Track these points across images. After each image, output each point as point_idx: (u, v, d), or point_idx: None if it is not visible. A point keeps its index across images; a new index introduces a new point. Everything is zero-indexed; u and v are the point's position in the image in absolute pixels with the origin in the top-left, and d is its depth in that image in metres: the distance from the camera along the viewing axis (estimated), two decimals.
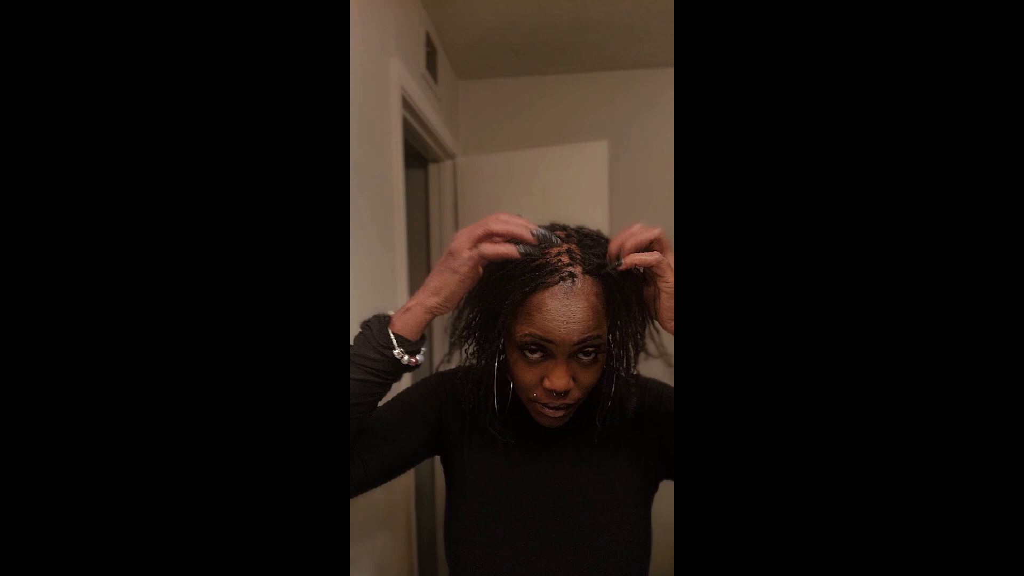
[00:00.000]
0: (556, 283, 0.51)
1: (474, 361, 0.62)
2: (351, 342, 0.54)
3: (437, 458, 0.69)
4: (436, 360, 2.01)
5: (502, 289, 0.54)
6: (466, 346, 0.61)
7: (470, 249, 0.50)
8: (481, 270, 0.53)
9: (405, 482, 1.37)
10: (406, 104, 1.35)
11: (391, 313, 0.54)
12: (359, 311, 0.97)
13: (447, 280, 0.52)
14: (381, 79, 1.20)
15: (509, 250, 0.49)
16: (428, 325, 0.54)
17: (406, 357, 0.53)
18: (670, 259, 0.51)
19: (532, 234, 0.50)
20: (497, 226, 0.49)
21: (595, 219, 1.74)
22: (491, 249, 0.49)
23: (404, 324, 0.53)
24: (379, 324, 0.53)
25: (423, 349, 0.55)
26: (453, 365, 0.67)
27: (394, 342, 0.52)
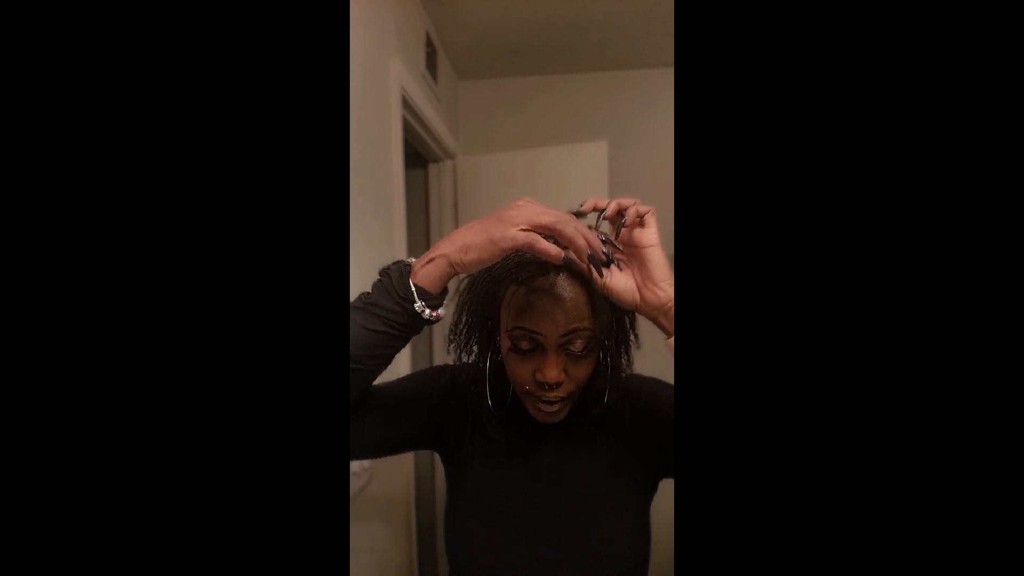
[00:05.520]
0: (542, 276, 0.53)
1: (473, 360, 0.63)
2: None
3: (437, 454, 0.70)
4: (436, 354, 2.02)
5: (492, 286, 0.56)
6: (464, 346, 0.62)
7: (522, 230, 0.46)
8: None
9: (405, 478, 1.37)
10: (406, 104, 1.35)
11: (411, 261, 0.51)
12: None
13: (482, 244, 0.47)
14: (381, 79, 1.20)
15: (556, 252, 0.46)
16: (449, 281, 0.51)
17: (427, 311, 0.49)
18: (651, 235, 0.53)
19: (588, 256, 0.48)
20: (568, 231, 0.46)
21: (595, 219, 1.74)
22: (542, 245, 0.46)
23: (426, 275, 0.49)
24: (399, 274, 0.50)
25: (445, 303, 0.51)
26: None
27: (415, 295, 0.48)
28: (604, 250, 0.50)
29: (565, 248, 0.48)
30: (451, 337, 0.62)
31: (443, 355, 1.99)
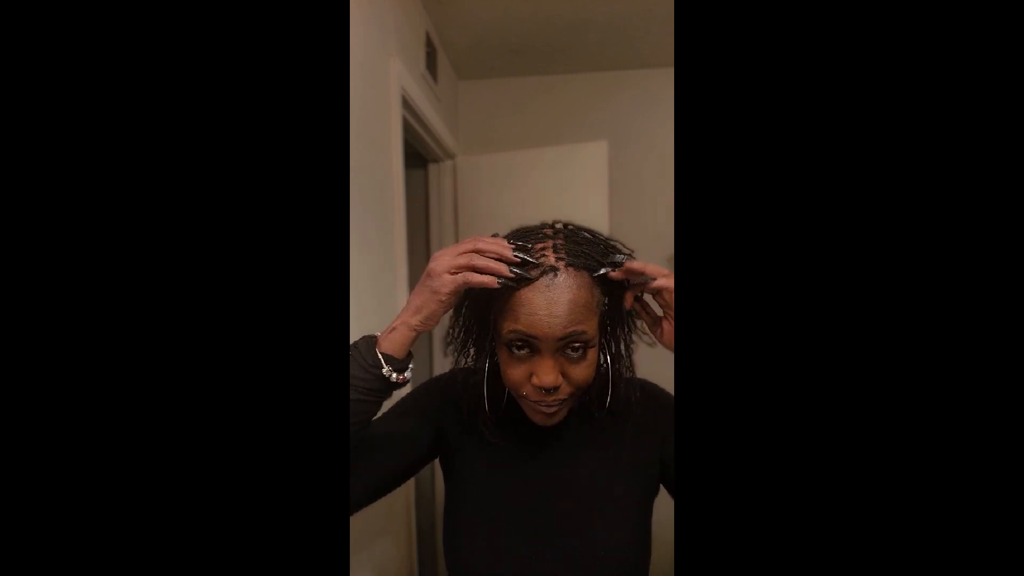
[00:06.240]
0: (538, 278, 0.52)
1: (470, 364, 0.63)
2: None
3: (437, 459, 0.70)
4: (436, 365, 2.02)
5: (487, 289, 0.54)
6: (462, 350, 0.62)
7: (452, 273, 0.51)
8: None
9: (404, 485, 1.37)
10: (406, 104, 1.35)
11: (377, 334, 0.55)
12: (359, 311, 0.97)
13: (427, 301, 0.52)
14: (381, 79, 1.20)
15: (490, 281, 0.51)
16: (418, 338, 0.55)
17: (394, 375, 0.53)
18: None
19: (510, 268, 0.51)
20: (480, 262, 0.51)
21: (595, 219, 1.74)
22: (476, 279, 0.51)
23: (390, 344, 0.54)
24: (367, 345, 0.54)
25: (410, 366, 0.56)
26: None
27: (382, 361, 0.53)
28: (517, 255, 0.52)
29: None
30: (448, 340, 0.62)
31: (441, 358, 1.99)
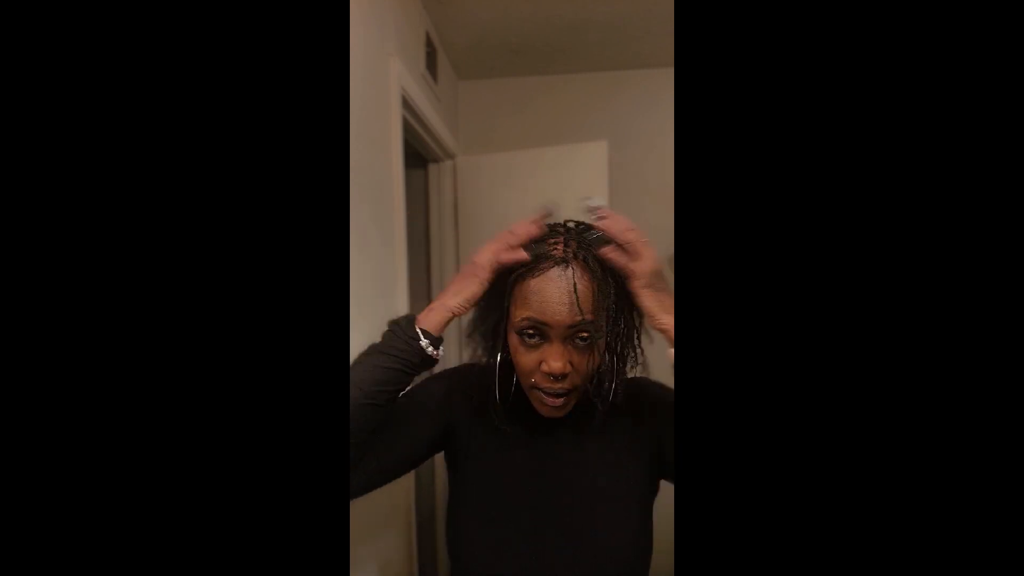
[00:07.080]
0: (550, 268, 0.56)
1: (484, 357, 0.64)
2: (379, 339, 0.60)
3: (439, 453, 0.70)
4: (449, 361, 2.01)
5: (500, 279, 0.58)
6: (481, 340, 0.64)
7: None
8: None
9: (405, 478, 1.37)
10: (406, 104, 1.35)
11: (415, 315, 0.61)
12: (359, 311, 0.97)
13: (468, 284, 0.58)
14: (381, 79, 1.20)
15: (522, 255, 0.57)
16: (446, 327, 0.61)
17: (430, 349, 0.58)
18: (643, 266, 0.55)
19: (539, 228, 0.58)
20: (513, 239, 0.58)
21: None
22: (508, 256, 0.57)
23: (428, 321, 0.59)
24: (407, 320, 0.59)
25: (441, 347, 0.60)
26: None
27: (420, 335, 0.57)
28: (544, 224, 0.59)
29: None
30: (468, 331, 0.64)
31: (451, 355, 1.99)
